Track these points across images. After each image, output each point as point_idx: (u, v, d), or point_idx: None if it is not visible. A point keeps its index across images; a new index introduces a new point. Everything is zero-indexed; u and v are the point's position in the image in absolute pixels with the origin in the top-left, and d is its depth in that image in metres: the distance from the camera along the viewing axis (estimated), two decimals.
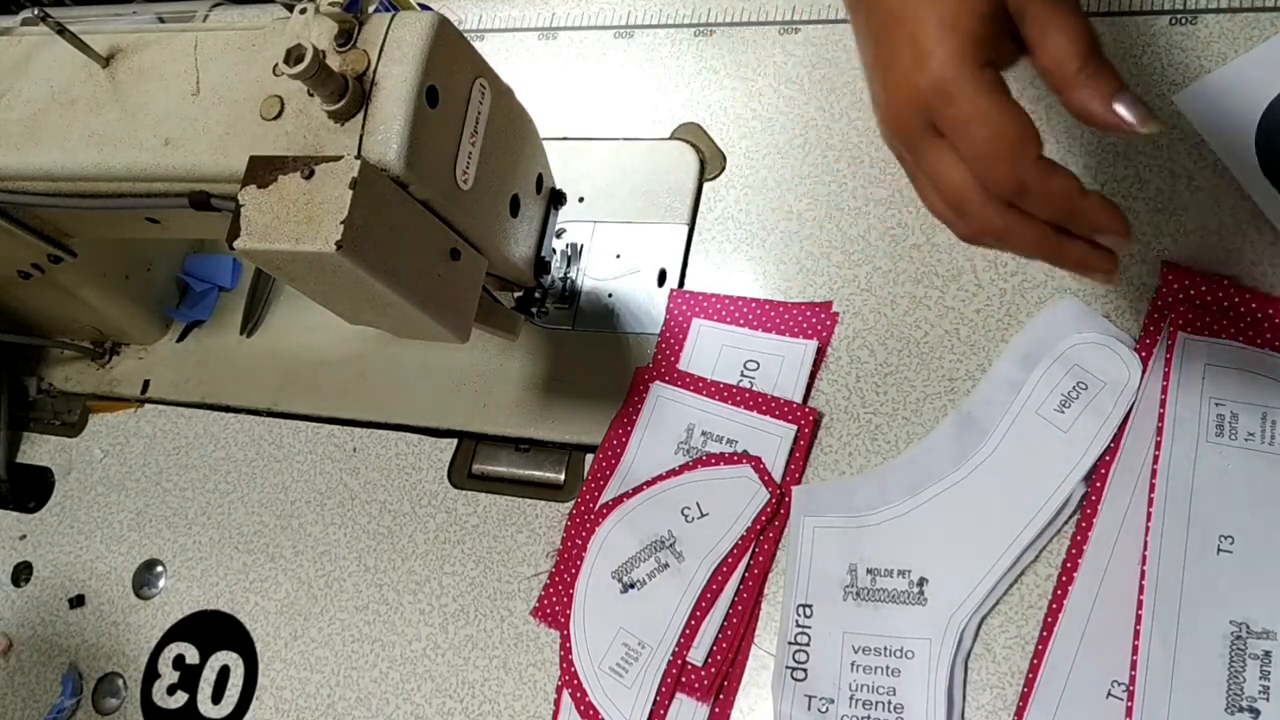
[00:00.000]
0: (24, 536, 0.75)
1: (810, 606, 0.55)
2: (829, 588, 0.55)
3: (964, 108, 0.38)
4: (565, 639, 0.58)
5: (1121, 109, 0.37)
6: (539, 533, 0.63)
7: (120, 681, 0.67)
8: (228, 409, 0.74)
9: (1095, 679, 0.50)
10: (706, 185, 0.68)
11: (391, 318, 0.53)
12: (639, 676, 0.56)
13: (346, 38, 0.49)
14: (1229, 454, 0.51)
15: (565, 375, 0.66)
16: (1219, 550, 0.49)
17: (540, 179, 0.60)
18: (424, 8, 0.57)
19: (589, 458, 0.63)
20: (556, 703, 0.58)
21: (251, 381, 0.74)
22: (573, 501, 0.62)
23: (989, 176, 0.38)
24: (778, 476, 0.58)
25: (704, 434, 0.61)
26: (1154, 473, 0.51)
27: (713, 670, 0.55)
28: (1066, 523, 0.53)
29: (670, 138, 0.70)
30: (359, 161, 0.46)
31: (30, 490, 0.76)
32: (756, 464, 0.59)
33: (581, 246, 0.69)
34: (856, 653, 0.54)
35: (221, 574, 0.68)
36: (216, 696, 0.65)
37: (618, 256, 0.68)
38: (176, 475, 0.73)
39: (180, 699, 0.66)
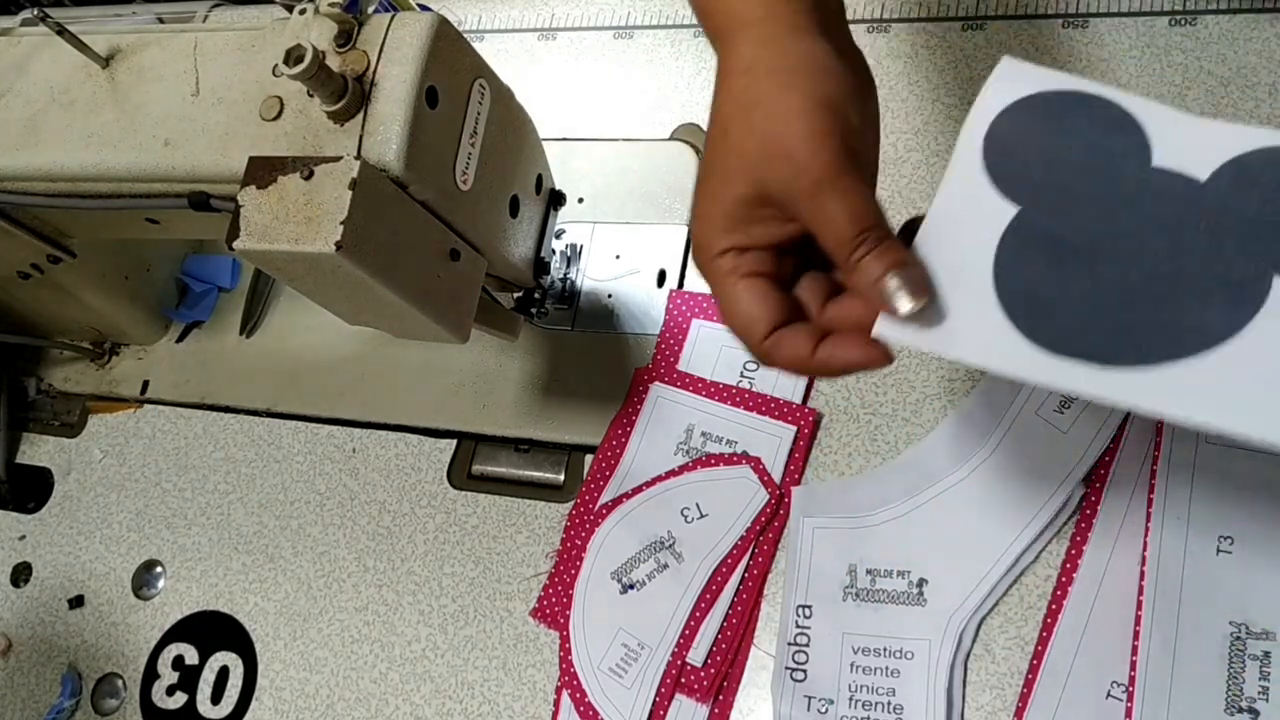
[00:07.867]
0: (23, 537, 0.75)
1: (810, 607, 0.55)
2: (829, 588, 0.55)
3: (712, 287, 0.40)
4: (565, 639, 0.58)
5: (892, 285, 0.35)
6: (539, 533, 0.63)
7: (119, 682, 0.67)
8: (227, 410, 0.74)
9: (1095, 679, 0.50)
10: None
11: (391, 318, 0.52)
12: (638, 677, 0.56)
13: (346, 38, 0.49)
14: (1229, 454, 0.50)
15: (565, 376, 0.66)
16: (1219, 551, 0.49)
17: (540, 179, 0.60)
18: (424, 8, 0.57)
19: (589, 458, 0.63)
20: (556, 703, 0.58)
21: (251, 382, 0.74)
22: (572, 502, 0.62)
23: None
24: (777, 477, 0.58)
25: (704, 434, 0.61)
26: (1154, 473, 0.51)
27: (712, 671, 0.55)
28: (1066, 523, 0.53)
29: (670, 138, 0.70)
30: (359, 162, 0.46)
31: (30, 490, 0.76)
32: (756, 465, 0.59)
33: (581, 247, 0.69)
34: (856, 653, 0.54)
35: (221, 574, 0.68)
36: (216, 697, 0.65)
37: (617, 257, 0.68)
38: (176, 476, 0.73)
39: (180, 699, 0.65)
